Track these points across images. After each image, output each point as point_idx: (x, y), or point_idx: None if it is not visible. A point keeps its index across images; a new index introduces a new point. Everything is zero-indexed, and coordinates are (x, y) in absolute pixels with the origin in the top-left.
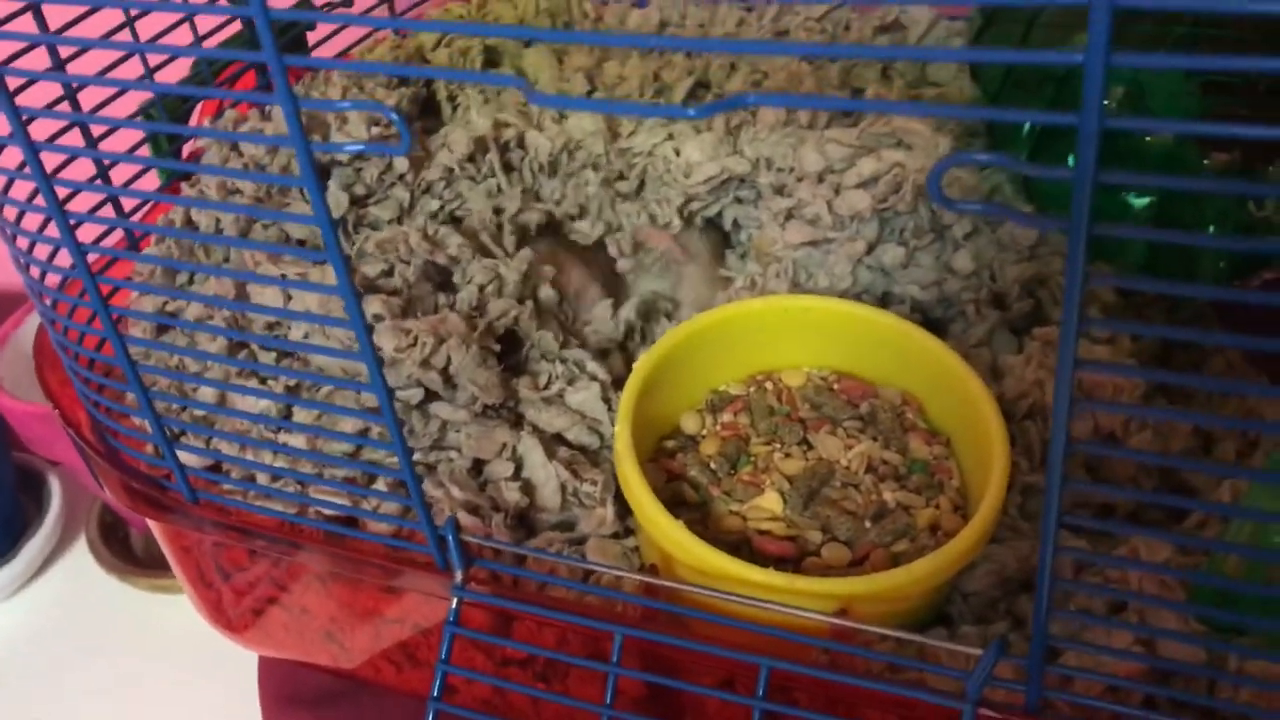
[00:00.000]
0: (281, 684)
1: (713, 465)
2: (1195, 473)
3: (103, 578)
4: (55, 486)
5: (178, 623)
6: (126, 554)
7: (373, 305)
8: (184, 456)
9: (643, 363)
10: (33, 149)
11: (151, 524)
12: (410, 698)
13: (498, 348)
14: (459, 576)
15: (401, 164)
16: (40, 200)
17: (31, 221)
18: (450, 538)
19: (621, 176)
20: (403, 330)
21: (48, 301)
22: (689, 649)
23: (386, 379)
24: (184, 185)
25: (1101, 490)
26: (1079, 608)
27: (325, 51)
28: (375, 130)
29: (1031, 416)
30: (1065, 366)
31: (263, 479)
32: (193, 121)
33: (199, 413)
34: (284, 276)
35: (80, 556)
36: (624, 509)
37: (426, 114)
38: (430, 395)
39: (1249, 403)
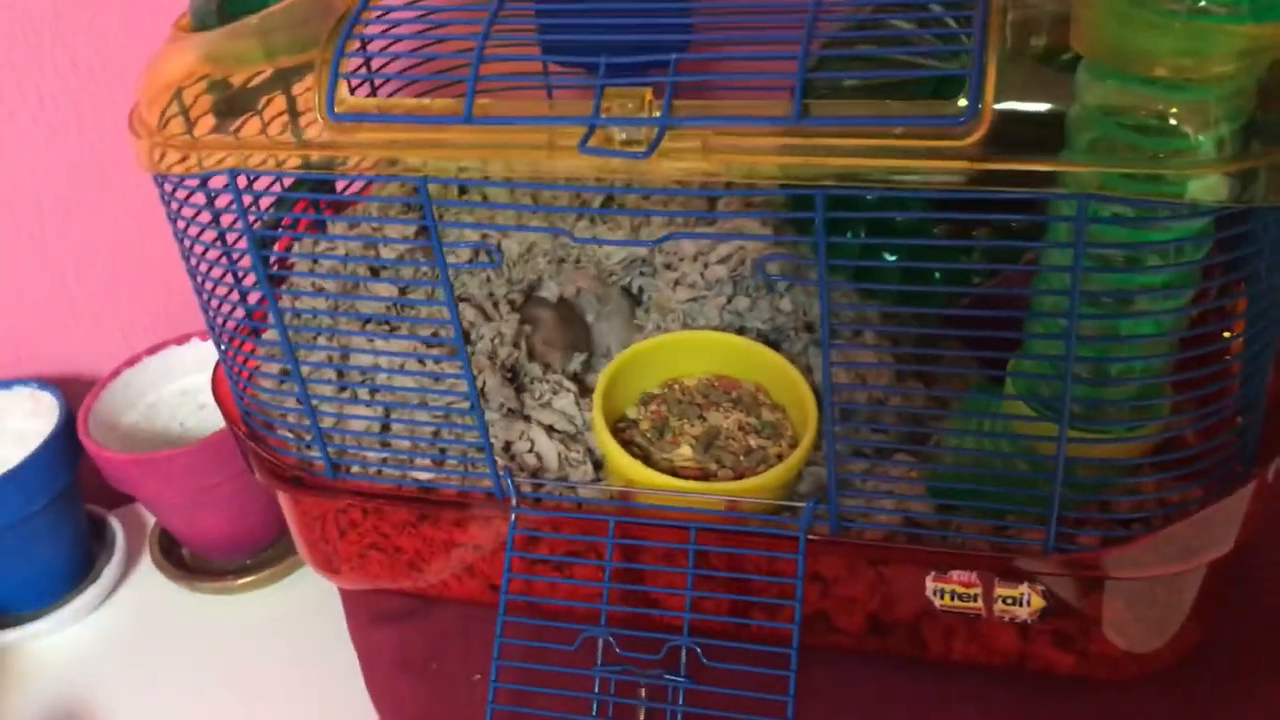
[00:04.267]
0: (367, 608)
1: (649, 434)
2: (929, 417)
3: (167, 590)
4: (117, 526)
5: (241, 617)
6: (183, 567)
7: (434, 352)
8: (315, 453)
9: (603, 375)
10: (273, 295)
11: (288, 502)
12: (466, 603)
13: (510, 375)
14: (514, 501)
15: (424, 267)
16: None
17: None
18: (509, 478)
19: (563, 260)
20: (458, 367)
21: (235, 370)
22: (649, 525)
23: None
24: (284, 286)
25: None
26: (866, 497)
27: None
28: (407, 246)
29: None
30: (825, 363)
31: (373, 459)
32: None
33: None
34: (372, 344)
35: (143, 578)
36: (596, 467)
37: (423, 231)
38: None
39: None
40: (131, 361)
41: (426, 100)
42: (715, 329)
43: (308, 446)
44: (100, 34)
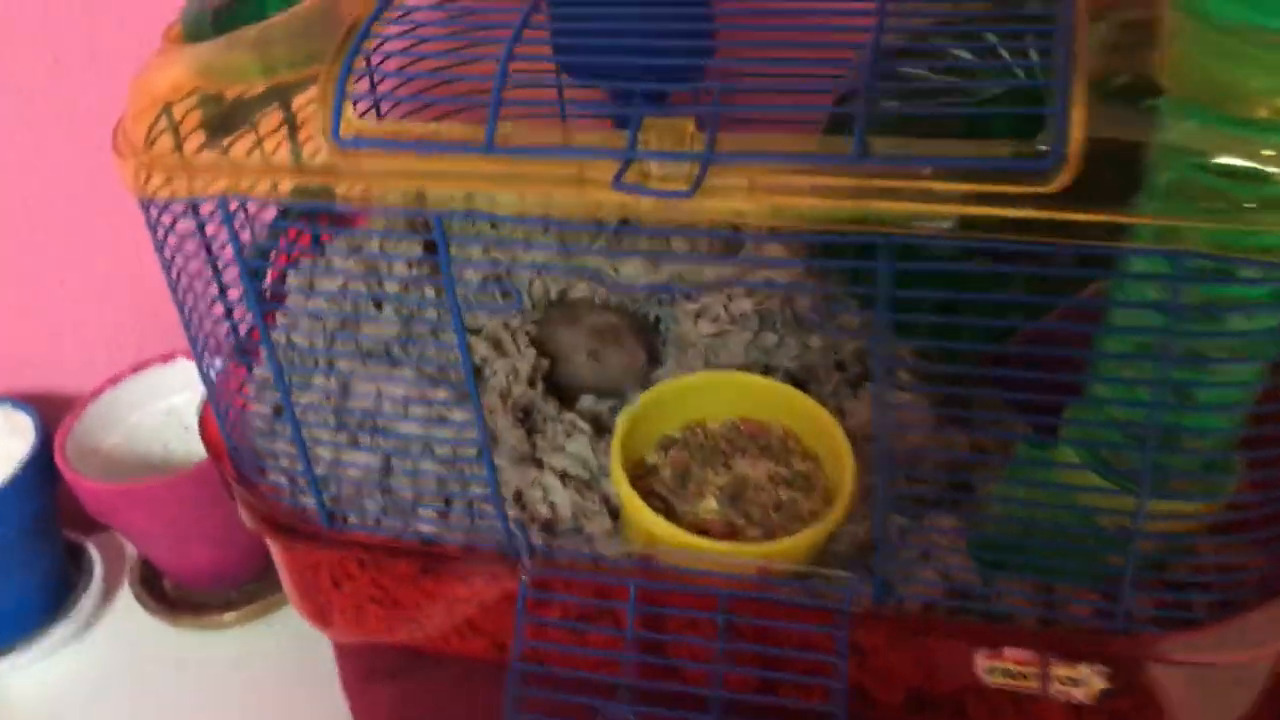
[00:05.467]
0: (362, 663)
1: (670, 484)
2: (971, 469)
3: (148, 624)
4: (95, 554)
5: (227, 654)
6: (165, 600)
7: (440, 392)
8: (310, 499)
9: (623, 418)
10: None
11: (279, 550)
12: (467, 660)
13: (523, 415)
14: (528, 562)
15: (430, 293)
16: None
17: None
18: (521, 534)
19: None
20: (465, 412)
21: (223, 407)
22: (678, 591)
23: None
24: (277, 315)
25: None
26: (904, 557)
27: None
28: (412, 271)
29: (867, 440)
30: (880, 415)
31: (372, 509)
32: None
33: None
34: (374, 381)
35: (122, 610)
36: (613, 516)
37: (429, 252)
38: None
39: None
40: (114, 380)
41: (441, 125)
42: (740, 367)
43: (302, 492)
44: (92, 36)
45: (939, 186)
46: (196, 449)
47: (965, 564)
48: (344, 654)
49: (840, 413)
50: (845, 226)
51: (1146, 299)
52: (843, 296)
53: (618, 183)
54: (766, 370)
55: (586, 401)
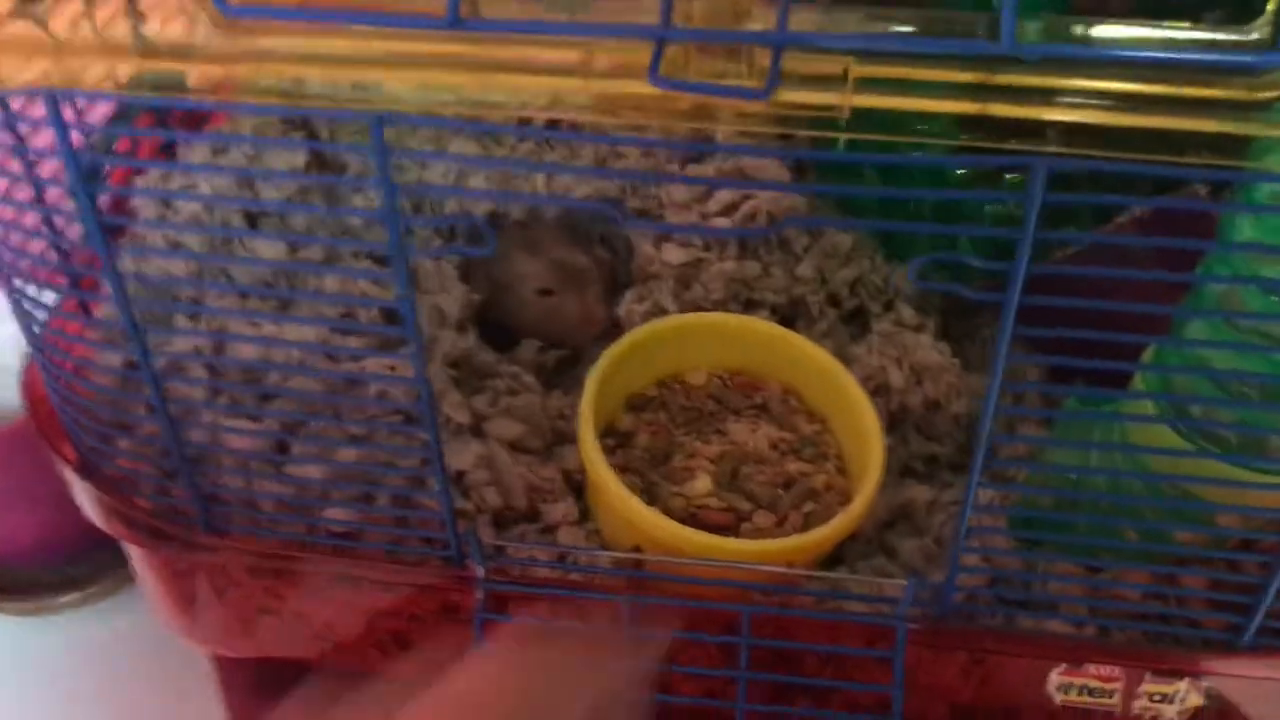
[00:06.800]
0: (250, 674)
1: (649, 458)
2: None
3: None
4: None
5: (59, 645)
6: None
7: (351, 340)
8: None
9: (594, 376)
10: (108, 250)
11: (140, 556)
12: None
13: (455, 373)
14: (481, 572)
15: (321, 206)
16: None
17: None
18: (472, 541)
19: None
20: (387, 365)
21: (56, 373)
22: (685, 607)
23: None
24: (124, 237)
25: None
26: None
27: None
28: (297, 185)
29: (879, 394)
30: (995, 384)
31: (267, 505)
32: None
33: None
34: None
35: None
36: (576, 494)
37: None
38: (409, 419)
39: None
40: None
41: None
42: (716, 304)
43: (169, 479)
44: None
45: (1105, 85)
46: (17, 395)
47: (1008, 545)
48: (225, 666)
49: (840, 359)
50: (977, 143)
51: None
52: (833, 211)
53: (655, 76)
54: (748, 307)
55: (529, 349)
